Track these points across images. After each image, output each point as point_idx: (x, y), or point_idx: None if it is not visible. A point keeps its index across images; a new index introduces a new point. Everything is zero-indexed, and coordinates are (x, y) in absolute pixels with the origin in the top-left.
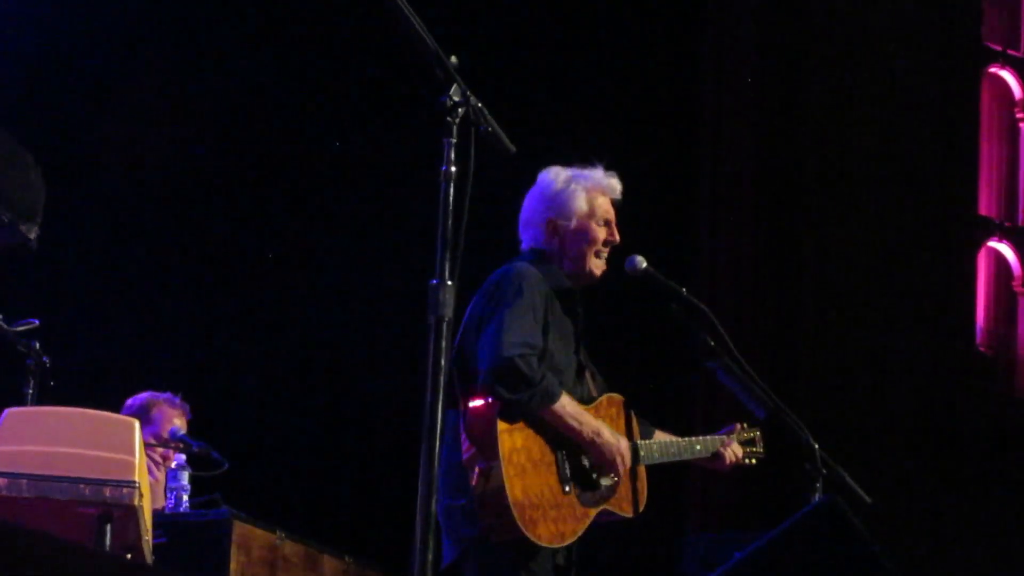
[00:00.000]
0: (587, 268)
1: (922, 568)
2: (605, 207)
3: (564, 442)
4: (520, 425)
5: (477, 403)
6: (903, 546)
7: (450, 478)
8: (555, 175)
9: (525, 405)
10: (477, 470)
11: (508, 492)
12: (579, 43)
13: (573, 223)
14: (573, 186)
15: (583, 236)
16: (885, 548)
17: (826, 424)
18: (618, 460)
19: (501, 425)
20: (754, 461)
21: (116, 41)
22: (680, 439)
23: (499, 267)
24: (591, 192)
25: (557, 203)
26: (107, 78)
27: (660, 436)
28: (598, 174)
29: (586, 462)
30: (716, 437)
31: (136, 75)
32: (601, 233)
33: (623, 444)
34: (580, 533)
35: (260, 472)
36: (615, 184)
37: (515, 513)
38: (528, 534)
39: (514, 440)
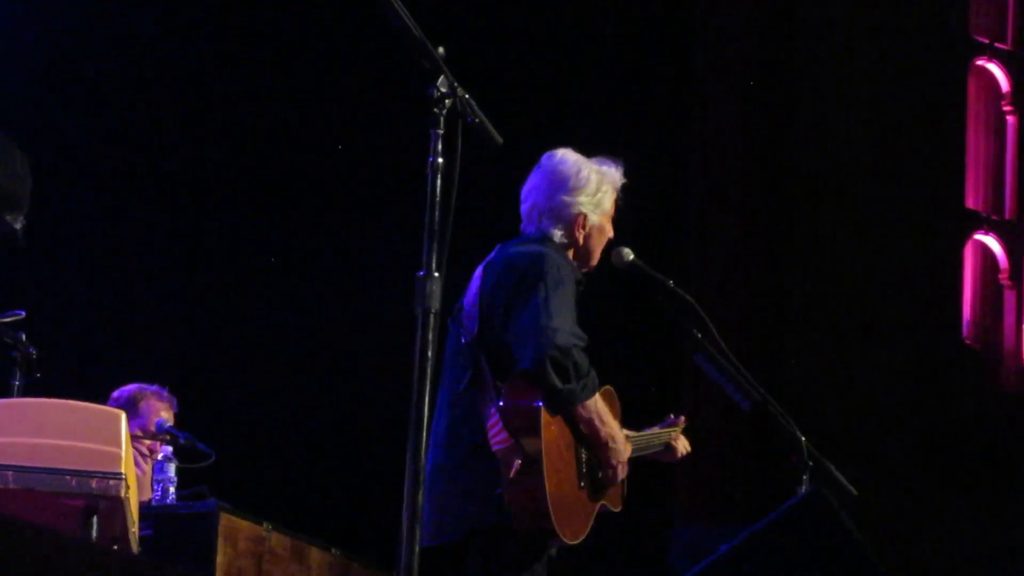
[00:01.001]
0: (591, 263)
1: (908, 560)
2: (614, 204)
3: (583, 439)
4: (559, 420)
5: (519, 392)
6: (889, 538)
7: (473, 462)
8: (581, 166)
9: (574, 396)
10: (516, 463)
11: (548, 490)
12: (568, 33)
13: (599, 221)
14: (606, 186)
15: (601, 235)
16: (871, 540)
17: (813, 416)
18: (620, 469)
19: (545, 417)
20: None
21: (105, 32)
22: (643, 433)
23: (488, 255)
24: (613, 190)
25: (593, 201)
26: (96, 68)
27: (625, 431)
28: (617, 172)
29: (589, 454)
30: (664, 429)
31: (124, 64)
32: (609, 232)
33: (627, 454)
34: (588, 530)
35: (247, 464)
36: (623, 180)
37: (552, 511)
38: (561, 534)
39: (551, 435)
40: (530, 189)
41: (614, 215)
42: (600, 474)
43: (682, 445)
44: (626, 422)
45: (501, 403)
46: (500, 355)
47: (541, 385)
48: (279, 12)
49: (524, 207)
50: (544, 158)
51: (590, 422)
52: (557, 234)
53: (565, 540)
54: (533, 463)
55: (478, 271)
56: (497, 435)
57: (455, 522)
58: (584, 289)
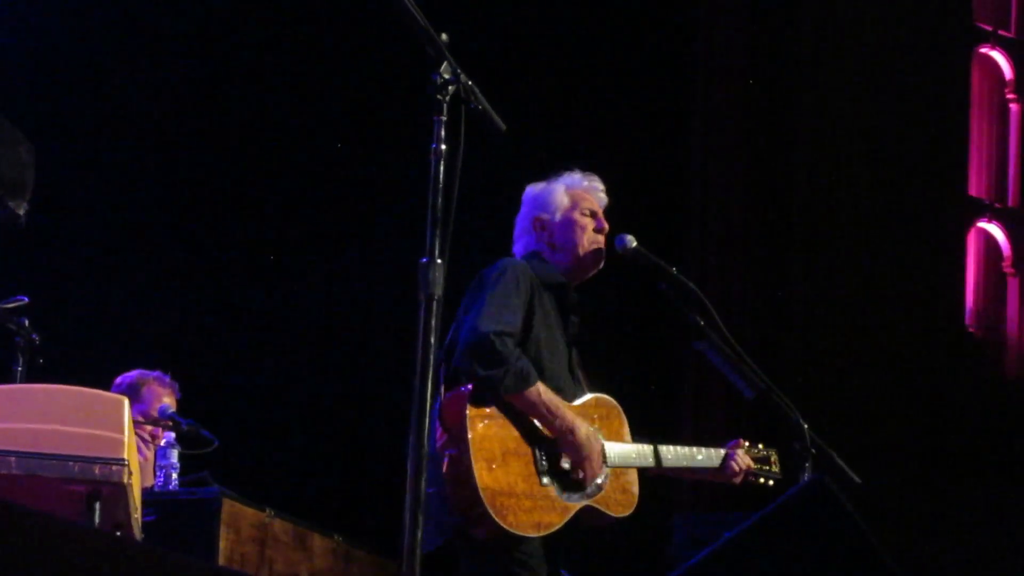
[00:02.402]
0: (581, 255)
1: (911, 548)
2: (588, 200)
3: (541, 436)
4: (492, 412)
5: (451, 389)
6: (892, 526)
7: (433, 468)
8: (534, 185)
9: (499, 384)
10: (447, 457)
11: (476, 478)
12: (571, 21)
13: (557, 216)
14: (552, 186)
15: (569, 226)
16: (874, 528)
17: (816, 404)
18: (589, 462)
19: (471, 411)
20: (771, 483)
21: (108, 21)
22: (683, 447)
23: (493, 245)
24: (571, 188)
25: (539, 202)
26: (100, 57)
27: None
28: (576, 175)
29: (564, 459)
30: (719, 450)
31: (128, 53)
32: (588, 222)
33: (596, 446)
34: (559, 526)
35: (249, 450)
36: (595, 183)
37: (484, 499)
38: (499, 521)
39: (486, 427)
40: None
41: (594, 210)
42: (570, 472)
43: (740, 461)
44: (629, 413)
45: (439, 400)
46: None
47: (468, 376)
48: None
49: None
50: None
51: (537, 413)
52: (519, 251)
53: (516, 532)
54: (463, 453)
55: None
56: (440, 437)
57: (436, 528)
58: (575, 294)
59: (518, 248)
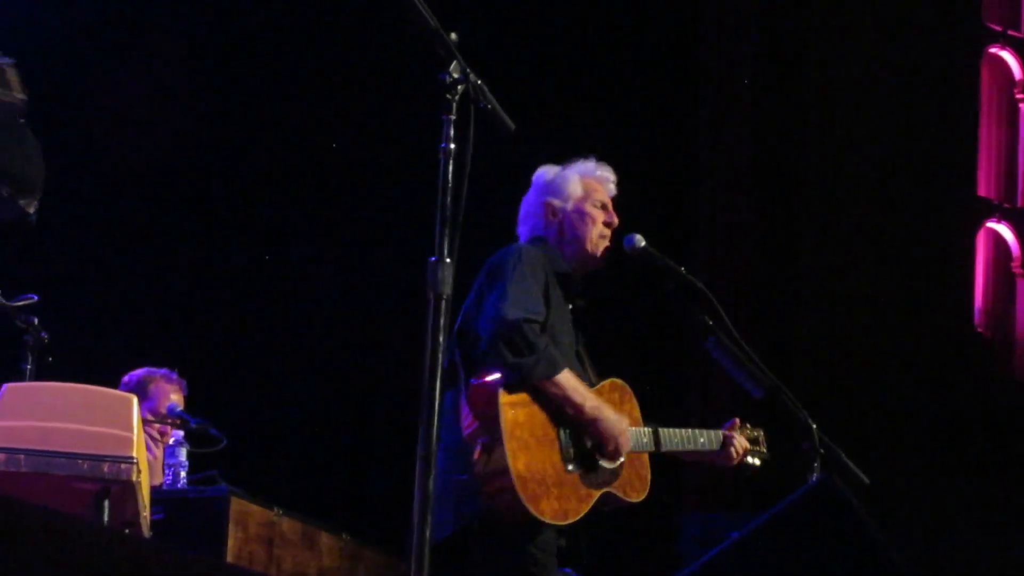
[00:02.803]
0: (588, 249)
1: (920, 549)
2: (600, 191)
3: (566, 420)
4: (523, 399)
5: (480, 377)
6: (901, 527)
7: (452, 455)
8: (548, 169)
9: (529, 370)
10: (479, 445)
11: (511, 466)
12: (580, 19)
13: (570, 205)
14: (567, 173)
15: (580, 217)
16: (883, 529)
17: (824, 404)
18: (619, 442)
19: (504, 398)
20: (758, 462)
21: (114, 17)
22: (683, 430)
23: (501, 244)
24: (585, 177)
25: (552, 188)
26: (110, 53)
27: (663, 430)
28: (590, 163)
29: (588, 443)
30: (718, 431)
31: (136, 49)
32: (599, 215)
33: (623, 426)
34: (583, 513)
35: (258, 449)
36: (607, 173)
37: (517, 487)
38: (531, 508)
39: (516, 414)
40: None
41: (604, 202)
42: (596, 455)
43: (738, 444)
44: (642, 410)
45: (468, 387)
46: (471, 348)
47: (496, 362)
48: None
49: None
50: None
51: (565, 399)
52: (531, 235)
53: (542, 518)
54: (496, 442)
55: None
56: (466, 420)
57: (450, 518)
58: (582, 286)
59: (524, 230)
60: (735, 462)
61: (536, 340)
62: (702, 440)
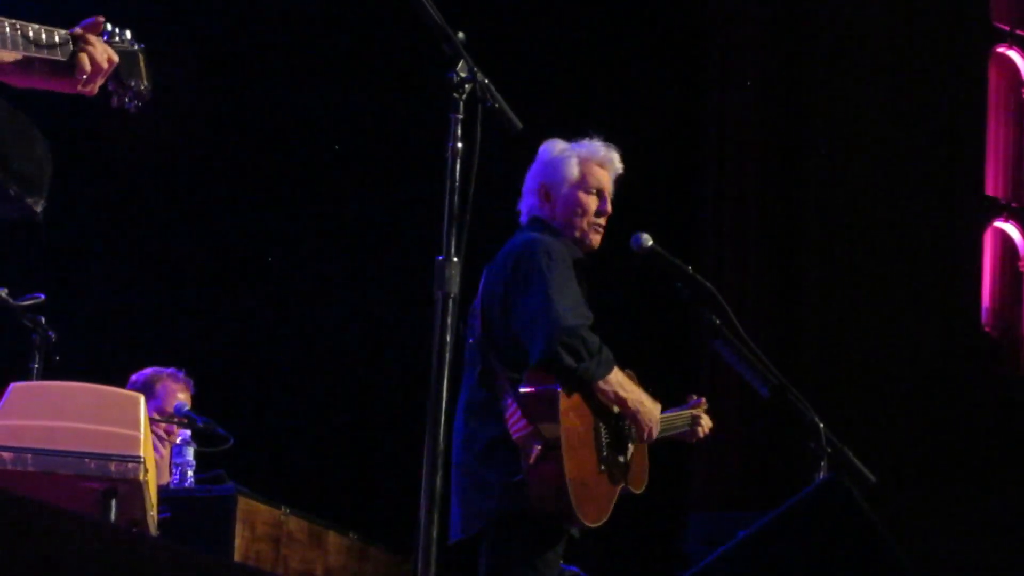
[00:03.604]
0: (578, 235)
1: (927, 548)
2: (599, 177)
3: (601, 416)
4: (576, 403)
5: (535, 379)
6: (908, 526)
7: (491, 455)
8: (552, 145)
9: (590, 374)
10: (536, 448)
11: (567, 472)
12: (585, 17)
13: (564, 189)
14: (567, 154)
15: (572, 203)
16: (890, 528)
17: (831, 403)
18: (655, 429)
19: (563, 403)
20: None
21: (126, 18)
22: (667, 415)
23: (505, 242)
24: (585, 161)
25: (549, 169)
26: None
27: None
28: (595, 145)
29: (610, 437)
30: (686, 411)
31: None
32: (591, 203)
33: (657, 412)
34: (608, 515)
35: (265, 448)
36: (613, 156)
37: (571, 492)
38: (578, 513)
39: (570, 419)
40: None
41: (600, 189)
42: (620, 459)
43: (705, 423)
44: None
45: (520, 391)
46: (508, 347)
47: (556, 369)
48: None
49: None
50: None
51: (614, 395)
52: (529, 214)
53: (586, 523)
54: (553, 447)
55: (484, 272)
56: (516, 423)
57: (475, 517)
58: (587, 269)
59: (523, 206)
60: (698, 439)
61: (594, 343)
62: (679, 423)
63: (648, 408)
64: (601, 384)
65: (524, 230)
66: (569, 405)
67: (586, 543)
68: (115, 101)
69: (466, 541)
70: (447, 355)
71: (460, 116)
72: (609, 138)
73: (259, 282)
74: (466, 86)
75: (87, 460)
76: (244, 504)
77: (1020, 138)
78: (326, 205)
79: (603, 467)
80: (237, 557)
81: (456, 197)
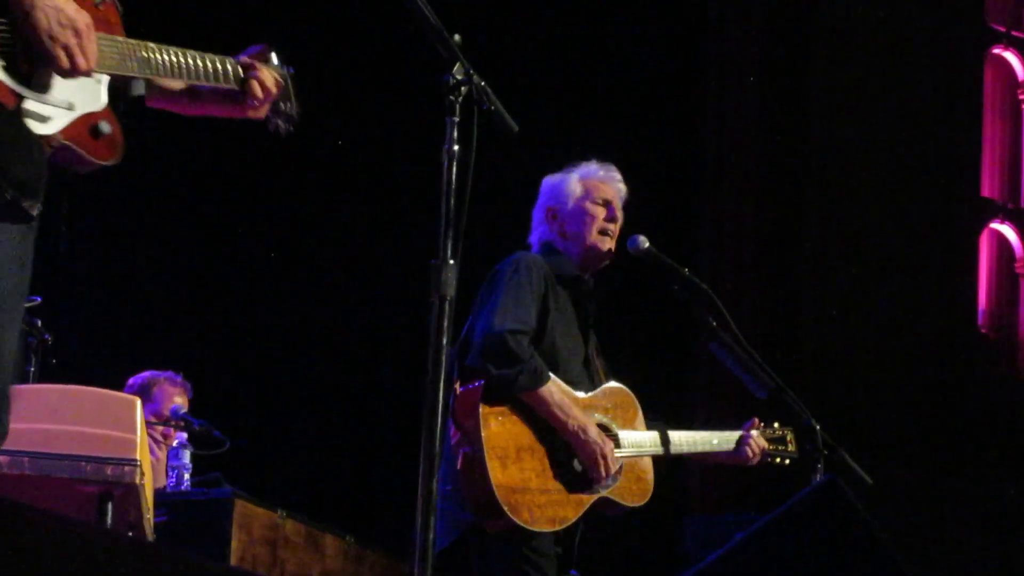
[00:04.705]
0: (588, 244)
1: (924, 549)
2: (602, 190)
3: (554, 431)
4: (506, 409)
5: (464, 388)
6: (905, 527)
7: (448, 465)
8: (552, 176)
9: (512, 382)
10: (461, 454)
11: (490, 475)
12: (584, 21)
13: (569, 205)
14: (567, 176)
15: (580, 215)
16: (887, 529)
17: (828, 405)
18: (600, 463)
19: (484, 408)
20: (787, 461)
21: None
22: (696, 432)
23: (504, 247)
24: (585, 179)
25: (553, 193)
26: None
27: (678, 433)
28: (592, 166)
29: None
30: (734, 432)
31: None
32: (599, 212)
33: (607, 447)
34: (574, 519)
35: (262, 451)
36: (613, 173)
37: (498, 496)
38: (514, 518)
39: (499, 424)
40: None
41: (607, 199)
42: (577, 468)
43: (754, 444)
44: (651, 411)
45: (453, 398)
46: (463, 359)
47: (482, 374)
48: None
49: None
50: None
51: (549, 413)
52: (534, 242)
53: (533, 528)
54: (476, 451)
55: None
56: (453, 435)
57: (449, 526)
58: (590, 286)
59: (533, 238)
60: (752, 462)
61: (520, 351)
62: (715, 441)
63: (591, 437)
64: (531, 398)
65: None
66: (496, 410)
67: (583, 545)
68: (272, 126)
69: (447, 550)
70: (443, 358)
71: (456, 119)
72: (607, 139)
73: (256, 285)
74: (462, 89)
75: (83, 463)
76: (241, 507)
77: (1016, 139)
78: (322, 208)
79: (560, 473)
80: (234, 561)
81: (452, 200)
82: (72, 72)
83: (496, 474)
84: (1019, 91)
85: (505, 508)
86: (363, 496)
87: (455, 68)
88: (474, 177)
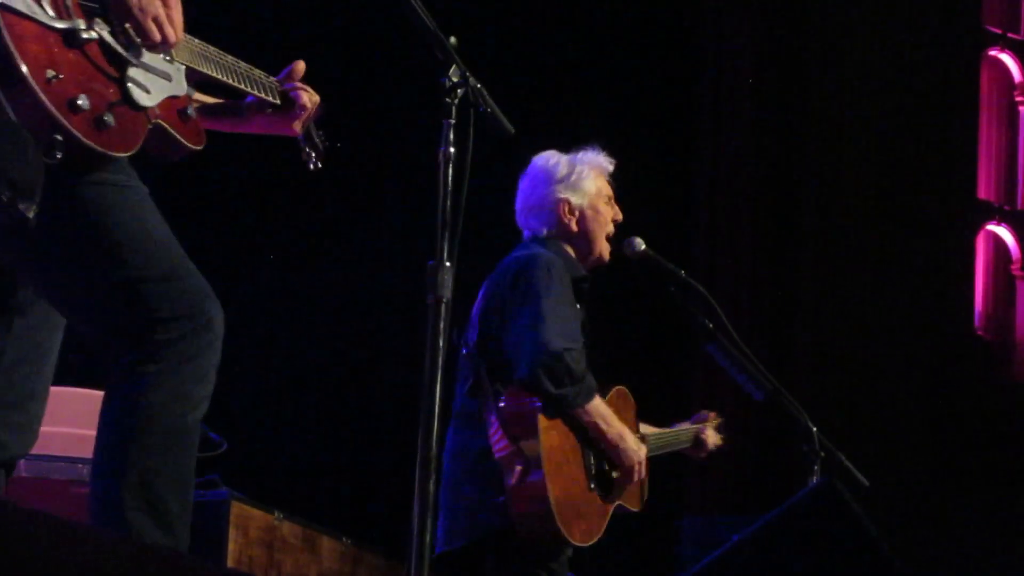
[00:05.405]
0: (598, 250)
1: (920, 552)
2: (607, 185)
3: (590, 441)
4: (557, 423)
5: (517, 398)
6: (901, 530)
7: (480, 468)
8: (556, 158)
9: (570, 401)
10: (517, 468)
11: (549, 492)
12: (579, 23)
13: (587, 203)
14: (580, 167)
15: (596, 216)
16: (883, 531)
17: (824, 407)
18: (636, 468)
19: (542, 422)
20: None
21: None
22: (668, 430)
23: (499, 248)
24: (596, 172)
25: (569, 184)
26: None
27: (646, 428)
28: (600, 155)
29: (607, 465)
30: (693, 426)
31: None
32: (609, 213)
33: (642, 452)
34: (601, 532)
35: (258, 452)
36: (610, 163)
37: (555, 512)
38: (564, 532)
39: (551, 438)
40: (517, 198)
41: (611, 196)
42: (614, 475)
43: (711, 440)
44: (641, 415)
45: (500, 406)
46: (498, 362)
47: (537, 392)
48: (290, 0)
49: (517, 217)
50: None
51: (594, 425)
52: (545, 230)
53: (574, 542)
54: (534, 467)
55: (484, 284)
56: (498, 442)
57: (465, 528)
58: (589, 286)
59: (532, 223)
60: (704, 455)
61: (578, 369)
62: (683, 439)
63: (628, 447)
64: (581, 413)
65: (528, 245)
66: (551, 424)
67: (580, 548)
68: (304, 155)
69: (449, 554)
70: (440, 360)
71: (452, 121)
72: (602, 140)
73: (251, 286)
74: (458, 91)
75: (79, 465)
76: (237, 509)
77: (1012, 141)
78: (318, 210)
79: (593, 485)
80: (230, 562)
81: (448, 202)
82: (163, 44)
83: (553, 490)
84: (1015, 93)
85: (559, 523)
86: (360, 498)
87: (451, 70)
88: (470, 179)
